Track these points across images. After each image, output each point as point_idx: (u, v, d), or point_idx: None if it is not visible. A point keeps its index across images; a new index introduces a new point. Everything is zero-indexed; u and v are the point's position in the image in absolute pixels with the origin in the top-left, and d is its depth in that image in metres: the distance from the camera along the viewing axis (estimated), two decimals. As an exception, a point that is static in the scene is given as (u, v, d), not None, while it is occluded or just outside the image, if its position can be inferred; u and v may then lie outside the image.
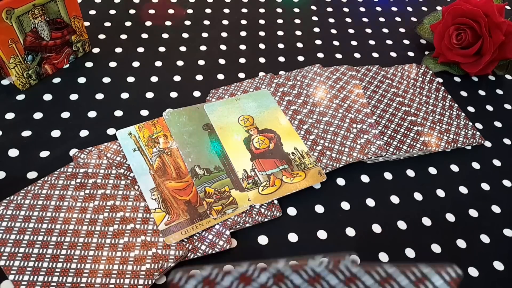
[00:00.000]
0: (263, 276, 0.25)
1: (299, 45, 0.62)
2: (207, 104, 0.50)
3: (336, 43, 0.63)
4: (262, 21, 0.64)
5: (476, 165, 0.51)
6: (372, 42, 0.64)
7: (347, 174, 0.47)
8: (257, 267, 0.24)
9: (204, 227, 0.41)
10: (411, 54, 0.63)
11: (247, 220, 0.42)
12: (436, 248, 0.43)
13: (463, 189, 0.48)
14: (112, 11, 0.62)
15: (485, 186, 0.49)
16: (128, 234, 0.39)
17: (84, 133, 0.47)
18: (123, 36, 0.58)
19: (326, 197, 0.45)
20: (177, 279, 0.24)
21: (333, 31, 0.65)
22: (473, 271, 0.42)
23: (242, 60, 0.58)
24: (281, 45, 0.61)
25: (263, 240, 0.42)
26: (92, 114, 0.49)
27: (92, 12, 0.61)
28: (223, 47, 0.59)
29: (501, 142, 0.54)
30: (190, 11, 0.64)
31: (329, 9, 0.69)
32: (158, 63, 0.56)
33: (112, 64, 0.55)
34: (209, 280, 0.24)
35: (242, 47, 0.60)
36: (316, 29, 0.65)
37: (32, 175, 0.43)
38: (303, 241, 0.42)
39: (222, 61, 0.57)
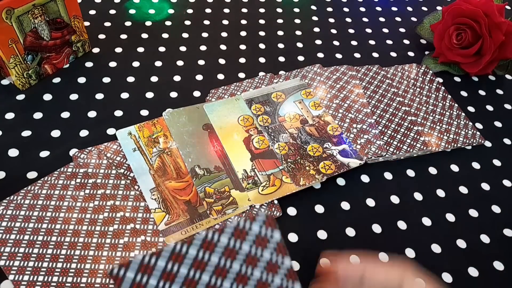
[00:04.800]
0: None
1: (299, 45, 0.62)
2: (207, 104, 0.50)
3: (336, 43, 0.63)
4: (262, 21, 0.64)
5: (476, 165, 0.51)
6: (372, 42, 0.64)
7: (347, 174, 0.47)
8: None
9: (204, 227, 0.41)
10: (411, 54, 0.63)
11: (247, 220, 0.42)
12: (436, 248, 0.43)
13: (463, 189, 0.48)
14: (112, 11, 0.62)
15: (485, 186, 0.49)
16: (128, 234, 0.39)
17: (84, 133, 0.47)
18: (123, 36, 0.58)
19: (326, 197, 0.45)
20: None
21: (333, 31, 0.65)
22: (473, 271, 0.42)
23: (242, 60, 0.58)
24: (281, 45, 0.61)
25: (263, 240, 0.42)
26: (92, 114, 0.49)
27: (92, 12, 0.61)
28: (223, 47, 0.59)
29: (501, 142, 0.54)
30: (190, 11, 0.64)
31: (329, 9, 0.69)
32: (158, 63, 0.56)
33: (112, 64, 0.55)
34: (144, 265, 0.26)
35: (242, 47, 0.60)
36: (316, 29, 0.65)
37: (32, 175, 0.43)
38: (303, 241, 0.42)
39: (222, 61, 0.57)
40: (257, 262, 0.27)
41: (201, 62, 0.57)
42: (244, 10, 0.66)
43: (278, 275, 0.28)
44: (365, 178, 0.48)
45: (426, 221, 0.45)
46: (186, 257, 0.26)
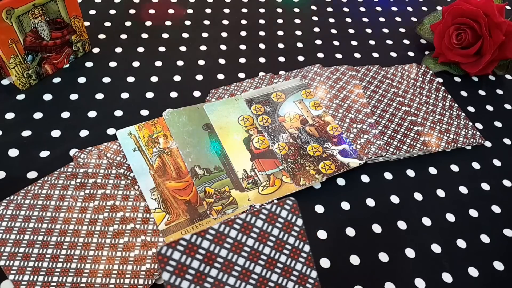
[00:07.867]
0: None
1: (299, 45, 0.62)
2: (207, 104, 0.50)
3: (336, 43, 0.63)
4: (262, 21, 0.64)
5: (476, 165, 0.51)
6: (372, 42, 0.64)
7: (347, 174, 0.47)
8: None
9: (204, 227, 0.41)
10: (411, 54, 0.63)
11: (247, 220, 0.42)
12: (436, 248, 0.43)
13: (463, 189, 0.48)
14: (112, 11, 0.62)
15: (485, 186, 0.49)
16: (128, 234, 0.39)
17: (84, 133, 0.47)
18: (123, 36, 0.58)
19: (326, 197, 0.45)
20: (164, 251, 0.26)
21: (333, 31, 0.65)
22: (473, 271, 0.42)
23: (242, 60, 0.58)
24: (281, 45, 0.61)
25: (263, 240, 0.42)
26: (92, 114, 0.49)
27: (92, 12, 0.61)
28: (223, 47, 0.59)
29: (501, 142, 0.54)
30: (190, 11, 0.64)
31: (329, 9, 0.69)
32: (158, 63, 0.56)
33: (112, 64, 0.55)
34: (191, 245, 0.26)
35: (242, 47, 0.60)
36: (316, 29, 0.65)
37: (32, 175, 0.43)
38: (303, 241, 0.42)
39: (222, 61, 0.57)
40: (283, 247, 0.28)
41: (201, 62, 0.57)
42: (244, 10, 0.66)
43: (299, 261, 0.28)
44: (365, 178, 0.48)
45: (426, 221, 0.45)
46: (226, 240, 0.27)
